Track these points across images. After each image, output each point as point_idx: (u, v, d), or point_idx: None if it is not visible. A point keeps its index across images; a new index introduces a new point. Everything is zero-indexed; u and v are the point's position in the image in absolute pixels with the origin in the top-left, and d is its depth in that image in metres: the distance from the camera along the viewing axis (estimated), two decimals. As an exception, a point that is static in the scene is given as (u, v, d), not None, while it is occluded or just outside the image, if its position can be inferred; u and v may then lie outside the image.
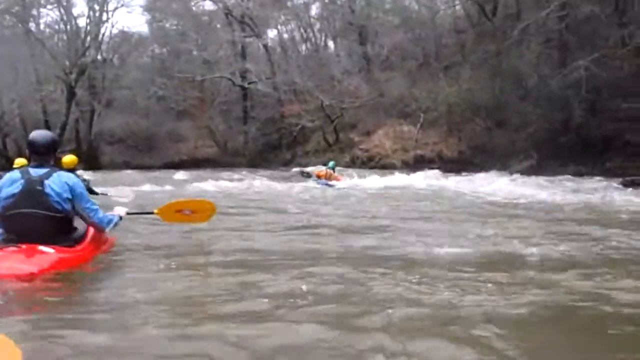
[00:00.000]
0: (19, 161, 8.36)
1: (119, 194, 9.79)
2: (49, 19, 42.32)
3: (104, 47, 41.36)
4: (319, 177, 17.44)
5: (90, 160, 35.91)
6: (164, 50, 45.94)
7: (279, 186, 15.68)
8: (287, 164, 33.36)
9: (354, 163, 29.86)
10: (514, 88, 25.07)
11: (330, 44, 44.25)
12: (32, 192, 4.03)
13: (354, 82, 34.57)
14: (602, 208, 9.60)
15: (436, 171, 20.66)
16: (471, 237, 5.80)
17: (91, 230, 4.56)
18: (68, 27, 39.88)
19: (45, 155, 4.19)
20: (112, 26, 42.03)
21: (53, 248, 4.00)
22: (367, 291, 3.53)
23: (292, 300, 3.30)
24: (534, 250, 4.96)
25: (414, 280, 3.76)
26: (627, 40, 18.11)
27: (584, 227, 6.80)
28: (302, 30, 42.37)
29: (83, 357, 2.42)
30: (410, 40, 35.98)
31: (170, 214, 5.35)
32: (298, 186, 15.48)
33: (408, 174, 20.56)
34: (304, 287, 3.54)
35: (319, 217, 8.00)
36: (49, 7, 40.42)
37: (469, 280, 3.82)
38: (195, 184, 16.14)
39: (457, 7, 32.97)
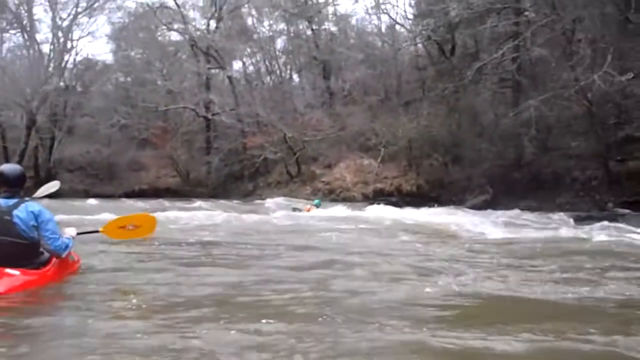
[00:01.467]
0: None
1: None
2: (11, 44, 42.10)
3: (67, 74, 41.12)
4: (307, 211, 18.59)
5: (48, 188, 35.39)
6: (128, 79, 45.91)
7: (245, 217, 15.84)
8: (249, 195, 33.50)
9: (315, 195, 30.12)
10: (470, 125, 25.85)
11: (295, 77, 45.04)
12: (1, 221, 4.46)
13: (316, 116, 35.11)
14: (556, 243, 9.79)
15: (390, 207, 20.96)
16: (425, 275, 5.77)
17: None
18: (31, 52, 39.66)
19: (15, 187, 4.63)
20: (77, 53, 41.79)
21: (19, 270, 4.40)
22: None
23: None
24: (486, 286, 5.12)
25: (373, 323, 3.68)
26: (572, 80, 19.00)
27: (535, 262, 7.01)
28: (267, 63, 42.99)
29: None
30: (373, 76, 36.84)
31: (115, 230, 5.81)
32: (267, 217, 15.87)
33: (366, 208, 21.05)
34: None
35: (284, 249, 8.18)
36: (11, 32, 40.26)
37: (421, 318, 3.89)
38: (158, 213, 15.87)
39: (419, 45, 33.95)
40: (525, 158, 22.92)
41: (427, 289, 4.90)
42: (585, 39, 19.95)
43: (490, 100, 25.01)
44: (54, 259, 4.81)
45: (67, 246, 4.80)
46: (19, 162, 34.98)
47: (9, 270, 4.34)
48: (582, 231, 11.80)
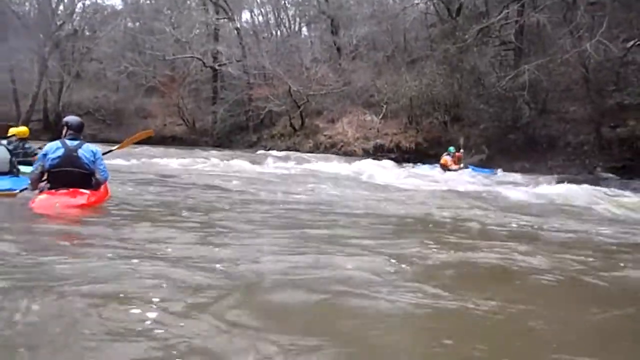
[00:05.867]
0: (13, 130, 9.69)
1: None
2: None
3: (75, 17, 41.34)
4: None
5: (56, 132, 36.14)
6: (137, 24, 46.07)
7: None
8: (253, 145, 34.22)
9: (317, 148, 30.82)
10: (471, 86, 26.24)
11: (304, 30, 45.08)
12: (71, 157, 6.21)
13: (322, 70, 35.38)
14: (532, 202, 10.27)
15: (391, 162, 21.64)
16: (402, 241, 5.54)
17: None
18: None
19: (77, 132, 6.44)
20: (86, -2, 41.91)
21: (89, 190, 6.27)
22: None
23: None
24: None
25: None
26: (568, 47, 19.34)
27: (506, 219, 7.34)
28: (276, 13, 43.01)
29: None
30: (380, 32, 36.88)
31: (125, 145, 8.26)
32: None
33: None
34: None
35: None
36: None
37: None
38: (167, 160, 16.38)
39: (429, 3, 33.78)
40: (522, 120, 23.40)
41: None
42: (585, 6, 20.14)
43: (492, 63, 25.32)
44: (102, 185, 6.61)
45: (107, 178, 6.61)
46: (31, 106, 36.04)
47: (81, 190, 6.20)
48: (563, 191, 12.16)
